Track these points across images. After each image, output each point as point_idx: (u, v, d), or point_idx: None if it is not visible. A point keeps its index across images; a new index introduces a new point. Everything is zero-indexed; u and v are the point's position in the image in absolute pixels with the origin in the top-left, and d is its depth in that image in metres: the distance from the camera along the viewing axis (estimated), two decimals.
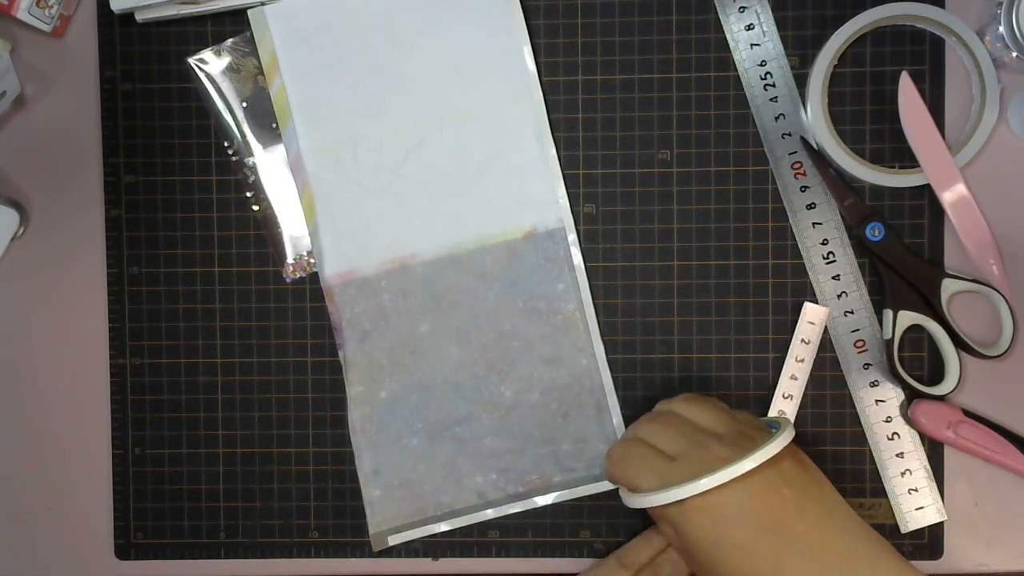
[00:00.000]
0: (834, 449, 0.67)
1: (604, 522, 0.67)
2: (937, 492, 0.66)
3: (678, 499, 0.55)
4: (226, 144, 0.67)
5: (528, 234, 0.66)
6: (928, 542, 0.66)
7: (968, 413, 0.65)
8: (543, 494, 0.67)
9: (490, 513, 0.67)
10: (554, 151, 0.66)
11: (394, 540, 0.67)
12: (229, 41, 0.67)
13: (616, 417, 0.66)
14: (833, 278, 0.66)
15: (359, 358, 0.67)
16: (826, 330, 0.66)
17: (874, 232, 0.65)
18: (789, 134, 0.66)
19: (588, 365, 0.66)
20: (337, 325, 0.67)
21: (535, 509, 0.67)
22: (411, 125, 0.66)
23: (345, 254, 0.66)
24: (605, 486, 0.66)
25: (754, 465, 0.54)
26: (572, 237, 0.66)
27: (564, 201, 0.66)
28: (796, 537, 0.54)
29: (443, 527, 0.67)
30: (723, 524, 0.55)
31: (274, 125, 0.67)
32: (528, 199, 0.66)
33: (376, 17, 0.66)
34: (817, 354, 0.66)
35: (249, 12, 0.66)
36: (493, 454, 0.66)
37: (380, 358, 0.67)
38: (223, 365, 0.68)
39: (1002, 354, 0.65)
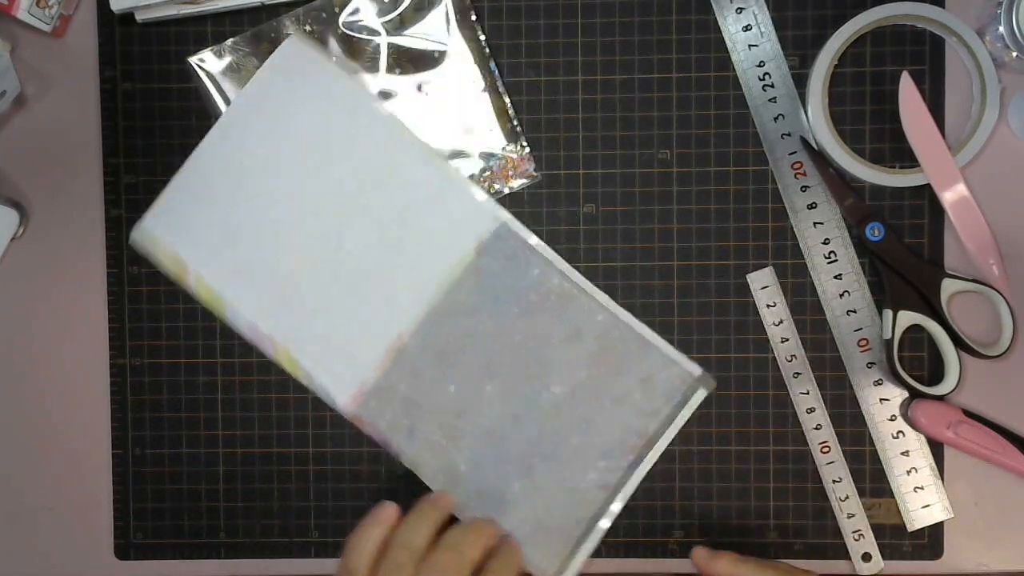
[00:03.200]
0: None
1: None
2: (943, 490, 0.66)
3: None
4: None
5: (479, 249, 0.65)
6: (928, 542, 0.67)
7: (968, 413, 0.65)
8: (651, 447, 0.65)
9: (618, 501, 0.65)
10: (450, 164, 0.65)
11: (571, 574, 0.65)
12: (229, 41, 0.67)
13: (656, 339, 0.65)
14: (835, 277, 0.66)
15: (421, 453, 0.65)
16: (828, 329, 0.66)
17: (874, 232, 0.65)
18: (789, 134, 0.66)
19: (604, 319, 0.65)
20: (382, 439, 0.65)
21: None
22: (333, 237, 0.65)
23: (345, 378, 0.65)
24: (696, 402, 0.65)
25: None
26: (515, 225, 0.65)
27: (487, 200, 0.65)
28: None
29: (603, 527, 0.64)
30: None
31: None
32: (458, 221, 0.65)
33: (258, 174, 0.65)
34: (817, 354, 0.66)
35: (132, 235, 0.66)
36: (586, 446, 0.65)
37: (438, 440, 0.65)
38: (223, 365, 0.68)
39: (1002, 354, 0.65)
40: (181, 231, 0.65)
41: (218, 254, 0.65)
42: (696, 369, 0.64)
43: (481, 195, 0.65)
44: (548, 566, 0.64)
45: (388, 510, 0.61)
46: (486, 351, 0.65)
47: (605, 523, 0.64)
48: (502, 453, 0.65)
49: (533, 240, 0.65)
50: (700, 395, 0.64)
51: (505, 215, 0.65)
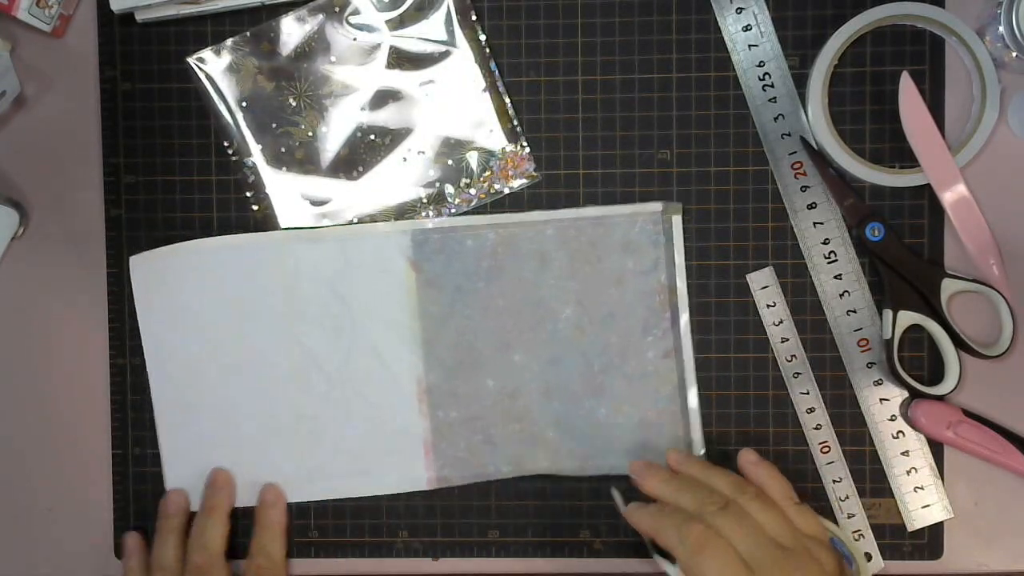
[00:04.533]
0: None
1: (604, 522, 0.67)
2: (943, 490, 0.66)
3: None
4: (226, 144, 0.67)
5: (413, 266, 0.66)
6: (928, 542, 0.67)
7: (968, 413, 0.65)
8: (675, 294, 0.66)
9: (688, 351, 0.66)
10: (337, 227, 0.66)
11: None
12: (229, 41, 0.67)
13: (607, 209, 0.66)
14: (835, 277, 0.66)
15: (512, 452, 0.66)
16: (828, 329, 0.66)
17: (874, 232, 0.65)
18: (789, 134, 0.66)
19: (553, 228, 0.66)
20: (479, 474, 0.67)
21: (536, 505, 0.67)
22: (308, 359, 0.67)
23: (408, 451, 0.67)
24: (679, 230, 0.66)
25: None
26: (419, 224, 0.66)
27: (385, 225, 0.66)
28: None
29: (693, 379, 0.67)
30: None
31: (274, 124, 0.67)
32: (380, 260, 0.66)
33: (217, 365, 0.67)
34: (817, 354, 0.66)
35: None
36: (625, 335, 0.66)
37: (514, 429, 0.66)
38: None
39: (1002, 354, 0.65)
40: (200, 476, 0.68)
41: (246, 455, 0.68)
42: (657, 206, 0.66)
43: (374, 226, 0.66)
44: (676, 443, 0.66)
45: (130, 541, 0.66)
46: (487, 332, 0.66)
47: (692, 376, 0.66)
48: (570, 396, 0.67)
49: (434, 223, 0.66)
50: (678, 220, 0.66)
51: (407, 224, 0.66)
